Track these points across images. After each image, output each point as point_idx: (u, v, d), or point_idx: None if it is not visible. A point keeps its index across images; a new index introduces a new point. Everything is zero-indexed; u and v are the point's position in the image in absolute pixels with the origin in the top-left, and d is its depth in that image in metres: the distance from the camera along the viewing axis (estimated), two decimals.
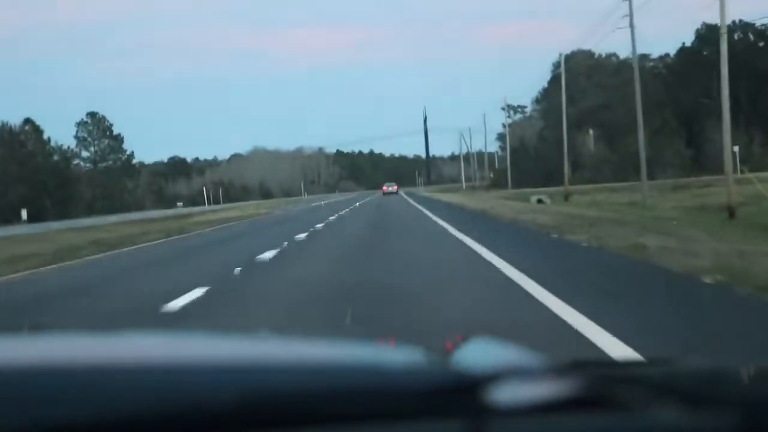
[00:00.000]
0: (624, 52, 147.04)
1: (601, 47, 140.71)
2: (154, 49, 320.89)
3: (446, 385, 1.46)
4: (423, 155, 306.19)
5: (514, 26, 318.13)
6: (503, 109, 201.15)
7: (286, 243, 27.51)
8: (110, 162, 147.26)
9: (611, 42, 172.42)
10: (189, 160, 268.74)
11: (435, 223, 34.79)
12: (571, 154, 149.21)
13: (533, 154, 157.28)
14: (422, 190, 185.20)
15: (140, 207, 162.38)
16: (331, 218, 47.55)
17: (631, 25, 65.45)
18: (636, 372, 1.70)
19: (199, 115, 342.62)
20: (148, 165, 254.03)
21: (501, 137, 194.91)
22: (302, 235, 31.44)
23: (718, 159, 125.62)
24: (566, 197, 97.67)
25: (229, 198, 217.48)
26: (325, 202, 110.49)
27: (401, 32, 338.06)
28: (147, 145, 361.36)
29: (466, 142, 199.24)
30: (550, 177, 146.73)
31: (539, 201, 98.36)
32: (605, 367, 1.74)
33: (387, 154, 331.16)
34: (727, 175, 49.84)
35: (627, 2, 64.88)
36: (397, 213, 52.46)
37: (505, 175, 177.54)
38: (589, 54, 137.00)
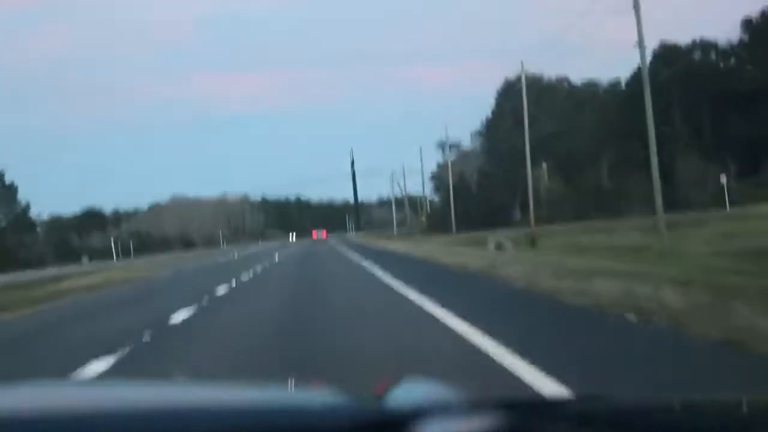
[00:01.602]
0: (576, 76, 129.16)
1: (550, 70, 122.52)
2: (66, 96, 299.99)
3: (369, 423, 1.56)
4: (352, 200, 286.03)
5: (443, 66, 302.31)
6: (440, 146, 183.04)
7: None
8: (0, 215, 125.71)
9: (561, 65, 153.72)
10: (109, 211, 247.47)
11: (429, 316, 14.93)
12: (520, 190, 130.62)
13: (474, 193, 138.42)
14: (354, 237, 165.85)
15: (41, 263, 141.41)
16: (220, 291, 27.56)
17: (636, 6, 46.98)
18: (561, 409, 1.70)
19: (117, 165, 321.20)
20: (64, 218, 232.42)
21: (435, 177, 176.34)
22: (102, 363, 11.79)
23: (693, 193, 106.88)
24: (532, 241, 78.62)
25: (146, 249, 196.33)
26: (239, 254, 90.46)
27: (326, 76, 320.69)
28: (61, 197, 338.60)
29: (399, 184, 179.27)
30: (495, 218, 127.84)
31: (499, 247, 79.45)
32: (532, 405, 1.74)
33: (315, 199, 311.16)
34: None
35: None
36: (335, 274, 32.67)
37: (441, 218, 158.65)
38: (536, 79, 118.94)
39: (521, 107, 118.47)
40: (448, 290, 19.41)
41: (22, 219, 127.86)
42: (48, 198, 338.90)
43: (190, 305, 21.21)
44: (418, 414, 1.59)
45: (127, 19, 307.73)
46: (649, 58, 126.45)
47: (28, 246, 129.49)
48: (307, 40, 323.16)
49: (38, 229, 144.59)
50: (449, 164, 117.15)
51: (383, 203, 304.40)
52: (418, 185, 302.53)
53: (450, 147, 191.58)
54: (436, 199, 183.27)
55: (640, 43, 46.47)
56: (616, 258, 43.84)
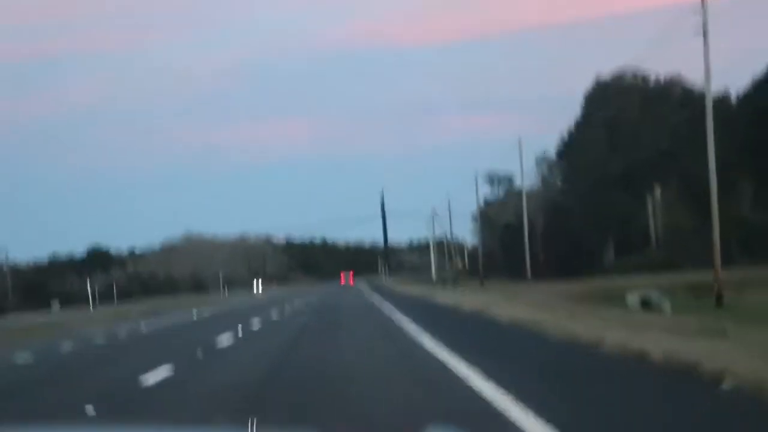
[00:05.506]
0: (694, 74, 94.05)
1: (658, 67, 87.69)
2: (89, 136, 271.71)
3: None
4: (380, 243, 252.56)
5: (481, 112, 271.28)
6: (489, 179, 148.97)
7: None
8: None
9: (672, 61, 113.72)
10: (124, 250, 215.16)
11: None
12: (614, 226, 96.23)
13: (543, 232, 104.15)
14: (390, 283, 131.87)
15: (1, 310, 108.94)
16: None
17: None
18: None
19: (137, 205, 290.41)
20: (64, 259, 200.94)
21: (483, 216, 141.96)
22: None
23: None
24: (718, 297, 44.80)
25: (149, 293, 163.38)
26: (211, 310, 54.35)
27: (356, 121, 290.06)
28: (75, 237, 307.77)
29: (441, 224, 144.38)
30: (577, 262, 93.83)
31: (644, 304, 45.71)
32: None
33: (341, 241, 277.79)
34: None
35: None
36: None
37: (494, 262, 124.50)
38: (641, 80, 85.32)
39: (619, 116, 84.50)
40: None
41: None
42: (63, 237, 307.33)
43: None
44: None
45: (149, 67, 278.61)
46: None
47: None
48: (338, 89, 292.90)
49: (4, 269, 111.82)
50: (523, 189, 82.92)
51: (414, 247, 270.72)
52: (464, 225, 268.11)
53: (499, 181, 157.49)
54: (476, 241, 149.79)
55: None
56: None
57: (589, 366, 13.73)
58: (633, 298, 45.86)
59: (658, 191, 77.66)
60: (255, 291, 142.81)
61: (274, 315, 42.54)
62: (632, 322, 21.84)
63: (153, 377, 16.26)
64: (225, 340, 25.73)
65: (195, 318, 49.73)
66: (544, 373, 12.84)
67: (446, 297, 48.63)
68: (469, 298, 43.91)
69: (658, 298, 45.42)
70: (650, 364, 12.69)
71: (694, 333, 17.74)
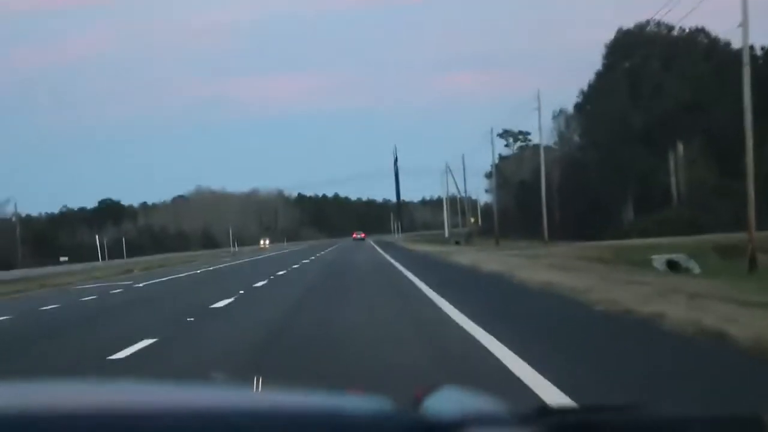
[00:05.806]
0: (717, 25, 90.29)
1: (680, 19, 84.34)
2: (94, 94, 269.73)
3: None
4: (392, 199, 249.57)
5: (492, 69, 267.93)
6: (501, 135, 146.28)
7: None
8: None
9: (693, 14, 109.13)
10: (137, 204, 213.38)
11: None
12: (633, 183, 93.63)
13: (560, 189, 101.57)
14: (402, 241, 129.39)
15: (10, 264, 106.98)
16: None
17: None
18: (604, 419, 1.55)
19: (147, 158, 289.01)
20: (74, 211, 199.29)
21: (497, 172, 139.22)
22: None
23: None
24: (752, 260, 42.32)
25: (160, 247, 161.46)
26: (215, 267, 51.47)
27: (369, 78, 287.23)
28: (79, 190, 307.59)
29: (454, 180, 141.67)
30: (593, 221, 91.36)
31: (672, 266, 43.43)
32: (572, 414, 1.59)
33: (353, 197, 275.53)
34: None
35: None
36: None
37: (508, 221, 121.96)
38: (664, 30, 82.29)
39: (642, 66, 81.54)
40: None
41: None
42: (75, 193, 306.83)
43: None
44: (461, 423, 1.47)
45: (161, 20, 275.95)
46: None
47: None
48: (352, 43, 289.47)
49: (13, 220, 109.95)
50: (541, 143, 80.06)
51: (426, 203, 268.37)
52: (477, 181, 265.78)
53: (516, 136, 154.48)
54: (489, 199, 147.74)
55: None
56: None
57: (669, 353, 11.25)
58: (659, 260, 43.50)
59: (680, 146, 74.86)
60: (261, 246, 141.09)
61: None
62: (678, 288, 19.39)
63: (137, 344, 14.11)
64: (225, 299, 23.56)
65: (198, 273, 47.71)
66: (612, 363, 10.46)
67: (462, 257, 46.32)
68: (486, 258, 41.59)
69: (686, 261, 43.12)
70: (738, 349, 10.25)
71: (763, 305, 15.30)
